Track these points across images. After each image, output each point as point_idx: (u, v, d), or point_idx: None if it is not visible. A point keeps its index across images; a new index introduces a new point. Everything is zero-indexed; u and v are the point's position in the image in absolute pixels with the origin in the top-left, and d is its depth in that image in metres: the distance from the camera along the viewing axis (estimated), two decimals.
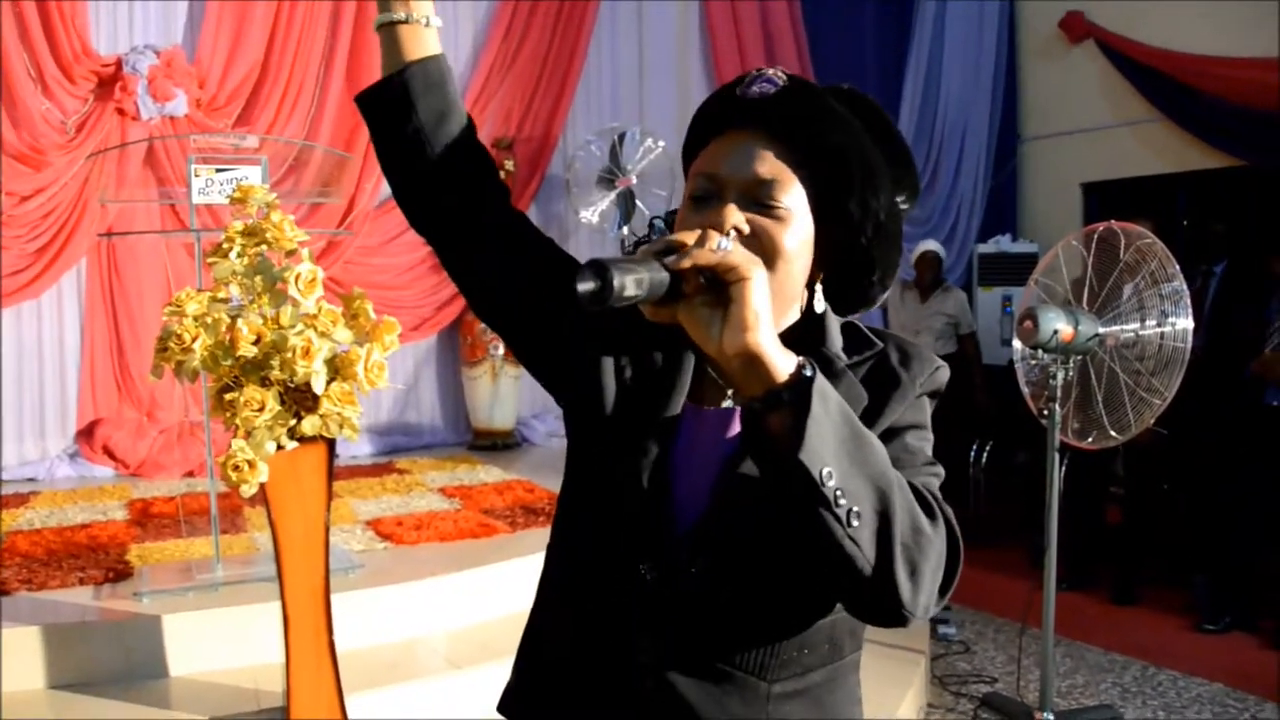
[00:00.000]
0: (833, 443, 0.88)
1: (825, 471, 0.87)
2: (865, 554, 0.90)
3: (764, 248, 1.03)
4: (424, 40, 1.22)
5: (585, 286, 0.85)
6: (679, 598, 1.06)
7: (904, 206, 1.15)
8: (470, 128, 1.25)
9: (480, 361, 6.15)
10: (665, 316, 0.93)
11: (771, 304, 1.01)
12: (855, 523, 0.88)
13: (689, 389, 1.13)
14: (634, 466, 1.09)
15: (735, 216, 1.04)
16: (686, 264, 0.89)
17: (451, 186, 1.23)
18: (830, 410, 0.89)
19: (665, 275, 0.89)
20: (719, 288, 0.90)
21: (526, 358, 1.25)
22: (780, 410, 0.88)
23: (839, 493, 0.87)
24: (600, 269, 0.85)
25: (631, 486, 1.09)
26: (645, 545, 1.08)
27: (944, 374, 1.13)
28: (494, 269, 1.22)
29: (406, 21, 1.22)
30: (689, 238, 0.91)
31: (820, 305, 1.13)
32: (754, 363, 0.88)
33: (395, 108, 1.21)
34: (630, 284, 0.86)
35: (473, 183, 1.24)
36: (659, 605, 1.07)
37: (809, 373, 0.89)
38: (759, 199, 1.06)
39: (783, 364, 0.89)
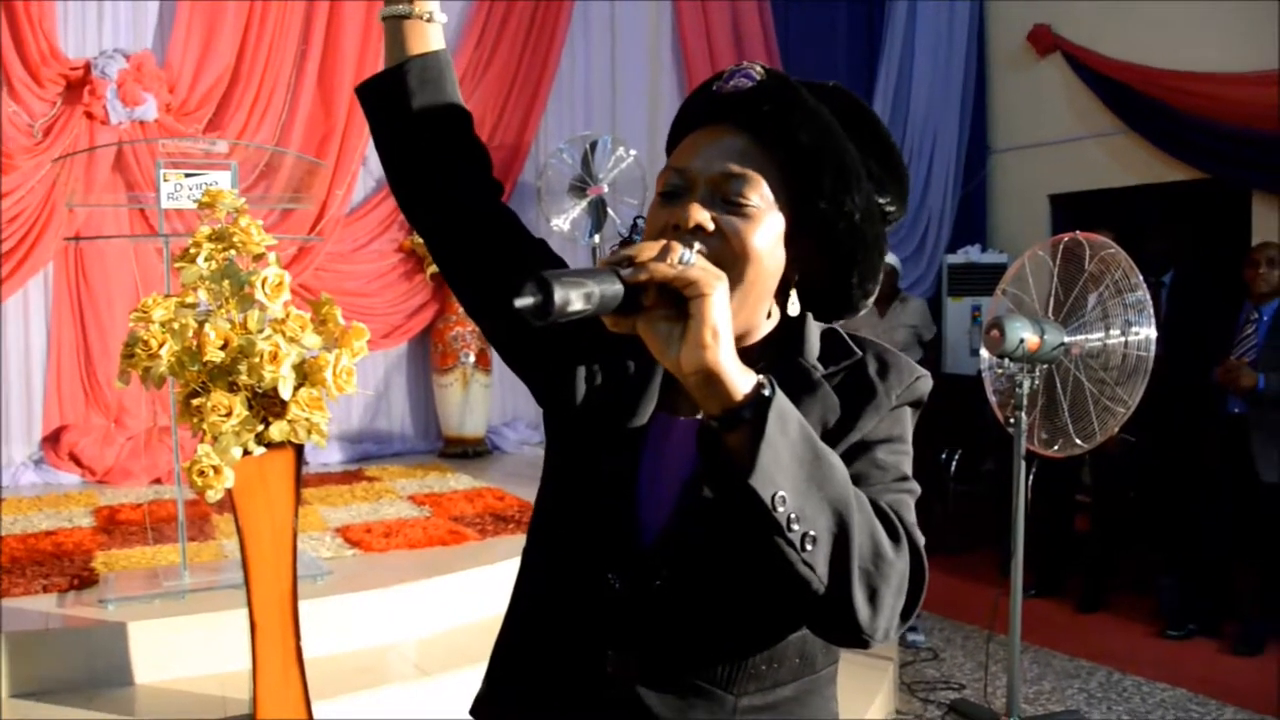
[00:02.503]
0: (789, 465, 0.86)
1: (778, 495, 0.85)
2: (820, 577, 0.88)
3: (731, 248, 1.01)
4: (426, 35, 1.23)
5: (524, 301, 0.81)
6: (646, 609, 1.05)
7: (890, 209, 1.12)
8: (467, 124, 1.25)
9: (451, 369, 6.13)
10: (625, 328, 0.90)
11: (743, 305, 1.00)
12: (810, 547, 0.87)
13: (663, 398, 1.12)
14: (601, 474, 1.08)
15: (700, 214, 1.02)
16: (643, 278, 0.86)
17: (443, 180, 1.22)
18: (789, 431, 0.87)
19: (619, 288, 0.86)
20: (678, 302, 0.87)
21: (507, 356, 1.23)
22: (738, 430, 0.86)
23: (792, 516, 0.85)
24: (542, 282, 0.81)
25: (598, 495, 1.08)
26: (612, 555, 1.07)
27: (925, 384, 1.10)
28: (480, 263, 1.21)
29: (409, 16, 1.22)
30: (649, 250, 0.88)
31: (794, 309, 1.10)
32: (711, 381, 0.86)
33: (392, 101, 1.22)
34: (576, 298, 0.82)
35: (464, 177, 1.23)
36: (626, 616, 1.06)
37: (767, 392, 0.86)
38: (727, 196, 1.04)
39: (741, 383, 0.87)
